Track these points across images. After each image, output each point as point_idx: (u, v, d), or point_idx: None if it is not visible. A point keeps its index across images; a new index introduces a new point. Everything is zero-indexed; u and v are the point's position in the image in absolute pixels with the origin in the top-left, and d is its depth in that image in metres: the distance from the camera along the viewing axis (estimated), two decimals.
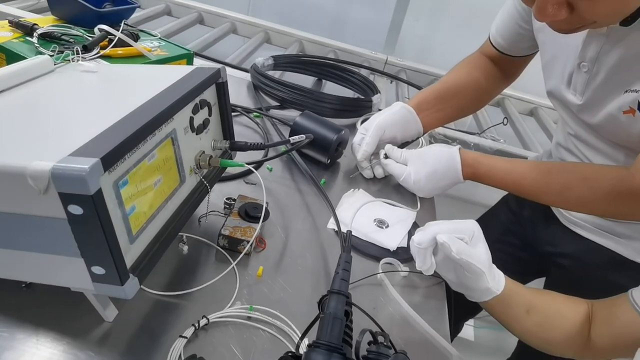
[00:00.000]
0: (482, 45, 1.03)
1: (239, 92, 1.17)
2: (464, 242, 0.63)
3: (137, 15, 1.58)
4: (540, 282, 1.05)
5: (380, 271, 0.70)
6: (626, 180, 0.70)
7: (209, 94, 0.65)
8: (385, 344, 0.44)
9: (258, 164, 0.88)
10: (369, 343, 0.44)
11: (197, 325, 0.54)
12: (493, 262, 0.67)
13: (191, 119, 0.60)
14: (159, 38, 1.10)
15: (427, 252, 0.65)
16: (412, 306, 0.65)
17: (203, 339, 0.54)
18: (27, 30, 0.95)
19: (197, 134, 0.63)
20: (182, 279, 0.61)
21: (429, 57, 2.02)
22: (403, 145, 0.97)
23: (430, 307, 0.68)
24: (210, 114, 0.66)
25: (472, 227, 0.65)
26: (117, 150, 0.43)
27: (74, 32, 0.97)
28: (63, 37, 0.93)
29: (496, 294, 0.66)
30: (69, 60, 0.73)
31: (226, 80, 0.68)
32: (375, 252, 0.74)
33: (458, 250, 0.61)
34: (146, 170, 0.50)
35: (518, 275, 0.71)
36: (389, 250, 0.74)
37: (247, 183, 0.83)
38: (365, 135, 0.92)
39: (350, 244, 0.58)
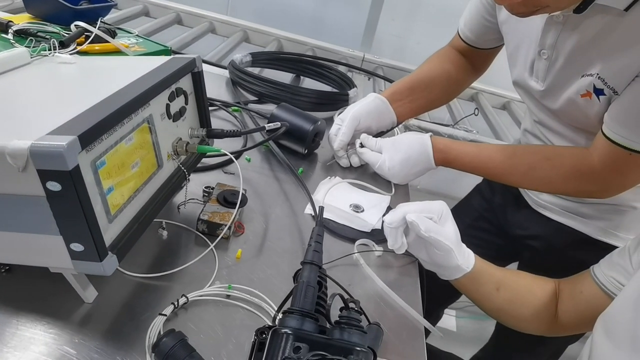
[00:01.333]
0: (452, 39, 1.07)
1: (218, 87, 1.19)
2: (432, 221, 0.66)
3: (114, 15, 1.58)
4: (514, 266, 1.09)
5: (356, 251, 0.72)
6: (586, 159, 0.74)
7: (185, 83, 0.67)
8: (356, 309, 0.46)
9: (237, 154, 0.90)
10: (341, 309, 0.46)
11: (176, 303, 0.56)
12: (468, 247, 0.70)
13: (167, 106, 0.62)
14: (136, 35, 1.11)
15: (398, 232, 0.67)
16: (386, 283, 0.67)
17: (183, 317, 0.56)
18: (2, 27, 0.96)
19: (174, 121, 0.64)
20: (162, 263, 0.62)
21: (405, 55, 2.06)
22: (378, 135, 0.99)
23: (404, 284, 0.70)
24: (186, 102, 0.68)
25: (440, 207, 0.68)
26: (94, 130, 0.45)
27: (50, 29, 0.98)
28: (39, 33, 0.94)
29: (466, 272, 0.69)
30: (46, 54, 0.74)
31: (202, 70, 0.69)
32: (351, 235, 0.76)
33: (427, 228, 0.64)
34: (124, 153, 0.52)
35: (492, 260, 0.74)
36: (364, 232, 0.77)
37: (225, 173, 0.85)
38: (341, 125, 0.94)
39: (323, 218, 0.60)
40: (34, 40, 0.82)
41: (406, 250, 0.69)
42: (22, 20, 1.02)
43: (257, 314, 0.58)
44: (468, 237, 0.70)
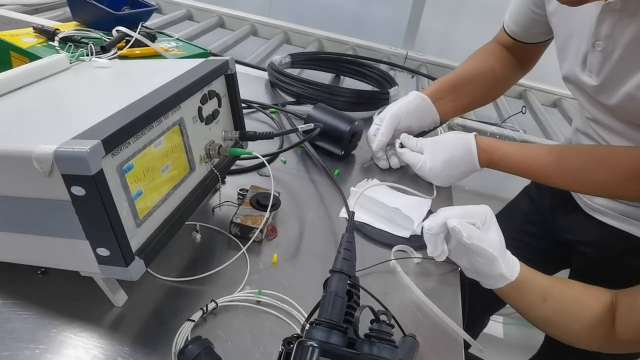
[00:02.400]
0: (496, 34, 1.02)
1: (257, 89, 1.18)
2: (475, 226, 0.62)
3: (158, 20, 1.62)
4: (564, 273, 1.02)
5: (393, 258, 0.69)
6: None
7: (218, 86, 0.66)
8: (388, 322, 0.43)
9: (273, 156, 0.89)
10: (372, 322, 0.44)
11: (205, 309, 0.55)
12: (513, 252, 0.66)
13: (200, 109, 0.61)
14: (176, 39, 1.13)
15: (438, 238, 0.64)
16: (424, 293, 0.64)
17: (212, 323, 0.55)
18: (49, 35, 0.99)
19: (206, 124, 0.64)
20: (193, 266, 0.62)
21: (450, 52, 2.00)
22: (420, 135, 0.96)
23: (444, 293, 0.66)
24: (220, 105, 0.67)
25: (484, 212, 0.64)
26: (119, 134, 0.44)
27: (93, 34, 1.01)
28: (82, 39, 0.96)
29: (510, 280, 0.64)
30: (85, 59, 0.76)
31: (235, 72, 0.68)
32: (388, 240, 0.73)
33: (469, 235, 0.60)
34: (153, 157, 0.51)
35: (539, 265, 0.69)
36: (402, 238, 0.74)
37: (260, 175, 0.84)
38: (380, 125, 0.91)
39: (353, 223, 0.58)
40: (73, 46, 0.84)
41: (447, 258, 0.66)
42: (68, 28, 1.05)
43: (287, 322, 0.56)
44: (514, 241, 0.66)
